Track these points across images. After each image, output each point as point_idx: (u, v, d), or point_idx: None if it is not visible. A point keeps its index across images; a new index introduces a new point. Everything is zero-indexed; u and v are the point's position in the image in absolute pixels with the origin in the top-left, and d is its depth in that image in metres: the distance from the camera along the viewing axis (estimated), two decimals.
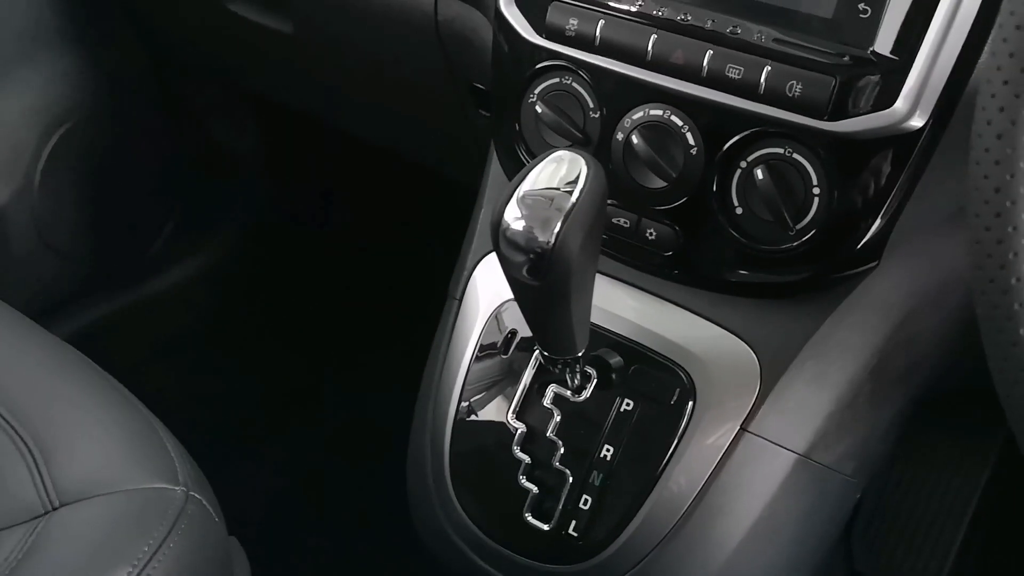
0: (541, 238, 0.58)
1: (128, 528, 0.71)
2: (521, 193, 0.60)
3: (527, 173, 0.61)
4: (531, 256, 0.59)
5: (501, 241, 0.60)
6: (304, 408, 1.56)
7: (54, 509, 0.73)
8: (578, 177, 0.60)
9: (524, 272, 0.60)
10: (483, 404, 0.80)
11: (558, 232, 0.58)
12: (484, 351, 0.81)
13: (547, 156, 0.61)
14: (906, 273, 0.69)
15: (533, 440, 0.76)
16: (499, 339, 0.80)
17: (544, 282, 0.60)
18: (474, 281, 0.83)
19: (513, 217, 0.59)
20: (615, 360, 0.76)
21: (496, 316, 0.81)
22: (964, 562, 1.18)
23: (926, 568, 1.18)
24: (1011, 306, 0.41)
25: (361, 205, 1.71)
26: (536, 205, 0.59)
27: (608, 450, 0.74)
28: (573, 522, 0.75)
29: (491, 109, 0.83)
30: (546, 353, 0.71)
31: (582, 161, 0.60)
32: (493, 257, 0.80)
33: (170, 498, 0.73)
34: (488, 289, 0.82)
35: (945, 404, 0.87)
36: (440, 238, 1.07)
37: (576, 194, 0.59)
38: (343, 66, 1.15)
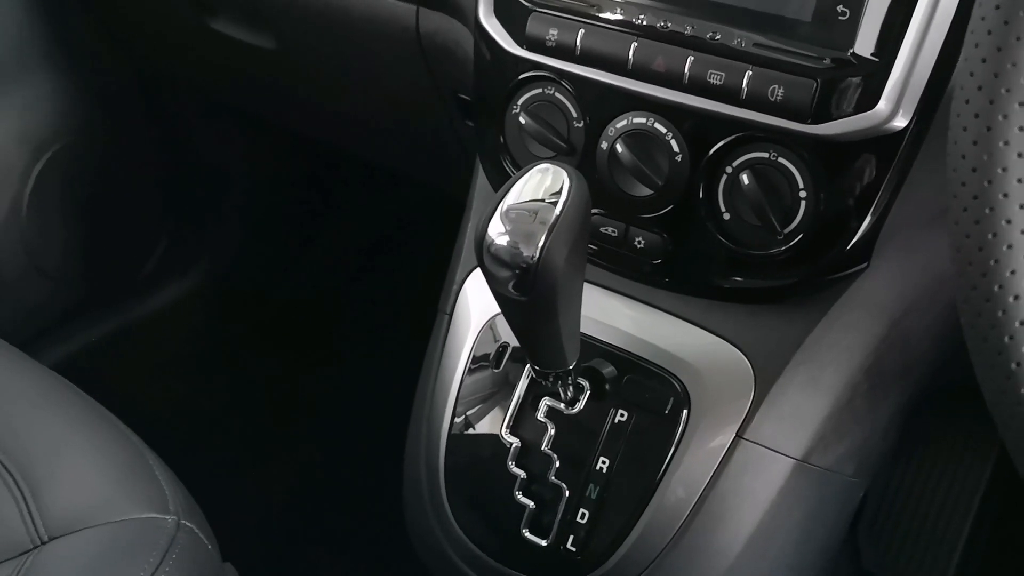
0: (525, 253, 0.58)
1: (118, 560, 0.70)
2: (505, 207, 0.59)
3: (510, 187, 0.60)
4: (516, 271, 0.58)
5: (485, 257, 0.60)
6: (298, 428, 1.56)
7: (43, 543, 0.72)
8: (561, 189, 0.59)
9: (510, 287, 0.59)
10: (476, 420, 0.79)
11: (542, 246, 0.58)
12: (476, 365, 0.80)
13: (530, 169, 0.61)
14: (897, 273, 0.69)
15: (528, 454, 0.76)
16: (491, 353, 0.80)
17: (530, 297, 0.60)
18: (464, 295, 0.83)
19: (497, 232, 0.59)
20: (608, 370, 0.75)
21: (487, 330, 0.80)
22: (971, 555, 1.17)
23: (934, 562, 1.18)
24: (1001, 336, 0.41)
25: (352, 219, 1.71)
26: (520, 219, 0.59)
27: (604, 462, 0.74)
28: (571, 537, 0.74)
29: (475, 121, 0.83)
30: (537, 367, 0.70)
31: (564, 173, 0.60)
32: None
33: (160, 527, 0.72)
34: (478, 303, 0.81)
35: (946, 397, 0.86)
36: (431, 250, 1.06)
37: (559, 206, 0.58)
38: (328, 80, 1.15)
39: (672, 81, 0.67)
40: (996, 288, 0.40)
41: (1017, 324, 0.40)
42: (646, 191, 0.71)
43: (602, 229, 0.74)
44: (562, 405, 0.75)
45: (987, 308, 0.40)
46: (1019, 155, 0.39)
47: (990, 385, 0.42)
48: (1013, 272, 0.39)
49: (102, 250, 1.40)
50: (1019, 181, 0.39)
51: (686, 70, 0.66)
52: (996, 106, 0.39)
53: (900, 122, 0.62)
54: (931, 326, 0.72)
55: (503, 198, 0.60)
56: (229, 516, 0.90)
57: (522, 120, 0.75)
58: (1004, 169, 0.39)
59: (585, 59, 0.70)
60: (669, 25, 0.67)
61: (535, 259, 0.58)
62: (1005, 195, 0.39)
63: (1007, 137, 0.39)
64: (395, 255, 1.70)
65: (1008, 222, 0.39)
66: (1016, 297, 0.39)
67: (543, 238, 0.58)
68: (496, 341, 0.80)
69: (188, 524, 0.74)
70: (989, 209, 0.39)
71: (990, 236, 0.39)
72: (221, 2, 1.12)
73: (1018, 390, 0.40)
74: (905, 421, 0.79)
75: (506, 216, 0.59)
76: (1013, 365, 0.40)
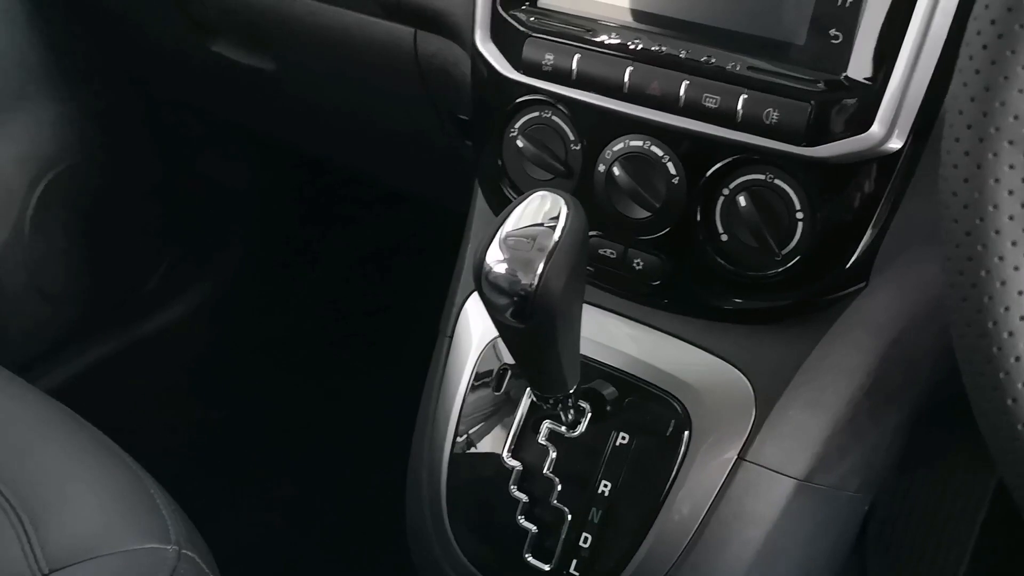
0: (524, 280, 0.58)
1: None
2: (503, 234, 0.60)
3: (509, 213, 0.60)
4: (515, 299, 0.58)
5: (484, 285, 0.60)
6: (300, 451, 1.56)
7: None
8: (559, 215, 0.59)
9: (508, 315, 0.59)
10: (478, 443, 0.79)
11: (541, 273, 0.58)
12: (477, 389, 0.80)
13: (527, 197, 0.61)
14: (896, 291, 0.69)
15: (530, 478, 0.76)
16: (492, 376, 0.80)
17: (529, 324, 0.60)
18: (465, 317, 0.83)
19: (495, 260, 0.59)
20: (608, 391, 0.75)
21: (488, 353, 0.80)
22: (978, 565, 1.17)
23: (941, 574, 1.17)
24: (996, 373, 0.41)
25: (354, 237, 1.71)
26: (518, 246, 0.59)
27: (606, 486, 0.74)
28: (574, 561, 0.74)
29: (473, 142, 0.83)
30: (537, 392, 0.70)
31: (562, 201, 0.60)
32: None
33: (162, 558, 0.72)
34: (479, 325, 0.82)
35: (949, 409, 0.86)
36: (434, 269, 1.07)
37: (557, 233, 0.58)
38: (327, 101, 1.15)
39: (668, 104, 0.67)
40: (991, 325, 0.40)
41: (1012, 361, 0.40)
42: (644, 213, 0.71)
43: (601, 251, 0.74)
44: (563, 428, 0.75)
45: (982, 346, 0.41)
46: (1010, 192, 0.39)
47: (986, 421, 0.42)
48: (1007, 309, 0.39)
49: (104, 271, 1.40)
50: (1011, 218, 0.39)
51: (681, 94, 0.67)
52: (986, 144, 0.39)
53: (895, 144, 0.62)
54: (931, 343, 0.72)
55: (501, 225, 0.60)
56: (230, 542, 0.90)
57: (520, 143, 0.75)
58: (995, 207, 0.39)
59: (581, 83, 0.70)
60: (664, 49, 0.68)
61: (533, 287, 0.58)
62: (997, 232, 0.39)
63: (997, 175, 0.39)
64: (398, 273, 1.70)
65: (1001, 259, 0.39)
66: (1011, 334, 0.40)
67: (541, 265, 0.58)
68: (497, 364, 0.80)
69: (189, 553, 0.74)
70: (981, 246, 0.39)
71: (983, 274, 0.40)
72: (221, 25, 1.13)
73: (1014, 426, 0.40)
74: (908, 435, 0.79)
75: (504, 243, 0.59)
76: (1009, 401, 0.40)
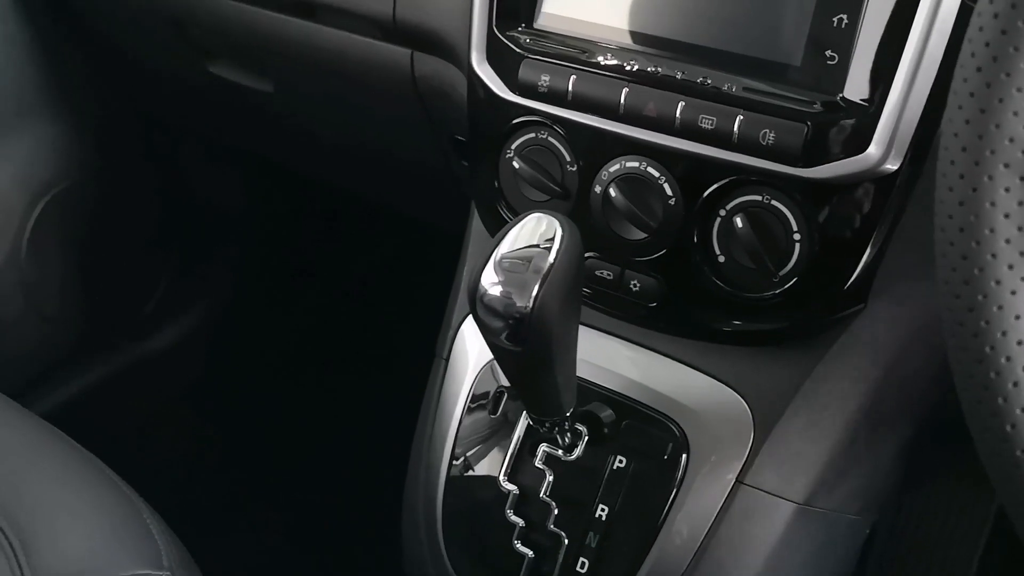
0: (519, 303, 0.57)
1: None
2: (498, 256, 0.59)
3: (504, 235, 0.60)
4: (510, 322, 0.58)
5: (478, 307, 0.59)
6: (294, 473, 1.55)
7: None
8: (554, 237, 0.59)
9: (503, 338, 0.59)
10: (474, 467, 0.79)
11: (536, 295, 0.57)
12: (473, 411, 0.80)
13: (523, 218, 0.61)
14: (894, 313, 0.68)
15: (527, 502, 0.75)
16: (488, 398, 0.79)
17: (525, 347, 0.59)
18: (461, 339, 0.83)
19: (490, 282, 0.58)
20: (606, 414, 0.75)
21: (484, 374, 0.80)
22: None
23: None
24: (995, 398, 0.41)
25: (352, 258, 1.71)
26: (513, 268, 0.58)
27: (603, 510, 0.73)
28: None
29: (470, 163, 0.83)
30: (533, 415, 0.70)
31: (557, 222, 0.59)
32: None
33: None
34: (475, 348, 0.81)
35: (950, 430, 0.85)
36: (431, 289, 1.06)
37: (552, 255, 0.58)
38: (326, 122, 1.15)
39: (664, 125, 0.67)
40: (988, 350, 0.39)
41: (1010, 387, 0.39)
42: (640, 234, 0.71)
43: (597, 272, 0.73)
44: (560, 451, 0.74)
45: (980, 371, 0.40)
46: (1006, 215, 0.39)
47: (985, 447, 0.42)
48: (1004, 333, 0.39)
49: (101, 292, 1.40)
50: (1007, 242, 0.39)
51: (677, 115, 0.66)
52: (981, 167, 0.39)
53: (892, 165, 0.61)
54: (930, 365, 0.71)
55: (496, 247, 0.60)
56: (224, 566, 0.89)
57: (516, 164, 0.75)
58: (991, 230, 0.39)
59: (577, 104, 0.70)
60: (660, 70, 0.67)
61: (529, 309, 0.57)
62: (993, 255, 0.39)
63: (993, 198, 0.39)
64: (395, 291, 1.70)
65: (997, 283, 0.39)
66: (1008, 359, 0.39)
67: (536, 287, 0.57)
68: (493, 387, 0.79)
69: None
70: (978, 270, 0.39)
71: (980, 298, 0.39)
72: (219, 47, 1.13)
73: (1013, 452, 0.40)
74: (909, 456, 0.78)
75: (499, 265, 0.59)
76: (1008, 428, 0.40)
